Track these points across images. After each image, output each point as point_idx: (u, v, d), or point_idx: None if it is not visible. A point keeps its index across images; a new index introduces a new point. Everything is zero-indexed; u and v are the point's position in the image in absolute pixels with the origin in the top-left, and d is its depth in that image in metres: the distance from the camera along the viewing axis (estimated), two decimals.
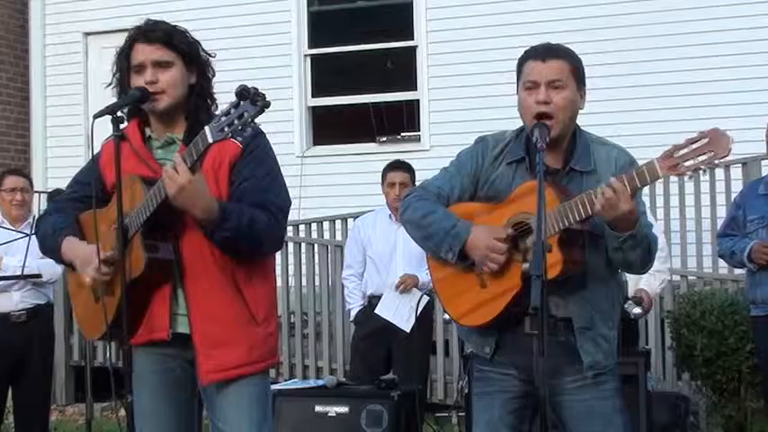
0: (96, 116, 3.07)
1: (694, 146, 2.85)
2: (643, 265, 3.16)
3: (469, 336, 3.35)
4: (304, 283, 8.13)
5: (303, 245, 8.19)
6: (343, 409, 5.39)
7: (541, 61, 3.14)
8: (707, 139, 2.83)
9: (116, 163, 3.07)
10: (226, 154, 3.16)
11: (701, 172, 2.87)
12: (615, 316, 3.30)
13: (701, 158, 2.84)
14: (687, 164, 2.85)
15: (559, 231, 3.03)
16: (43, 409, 5.92)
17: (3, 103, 11.01)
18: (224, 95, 3.12)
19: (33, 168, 10.44)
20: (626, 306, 4.99)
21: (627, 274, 3.39)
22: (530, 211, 3.01)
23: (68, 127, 10.31)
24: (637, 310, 5.18)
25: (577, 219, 3.00)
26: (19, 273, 5.53)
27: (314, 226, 8.39)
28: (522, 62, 3.21)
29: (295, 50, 9.82)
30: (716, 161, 2.84)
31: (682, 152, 2.85)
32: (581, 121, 3.27)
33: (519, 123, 3.27)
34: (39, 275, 5.56)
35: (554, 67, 3.13)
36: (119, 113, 3.13)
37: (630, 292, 5.28)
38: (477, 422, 3.33)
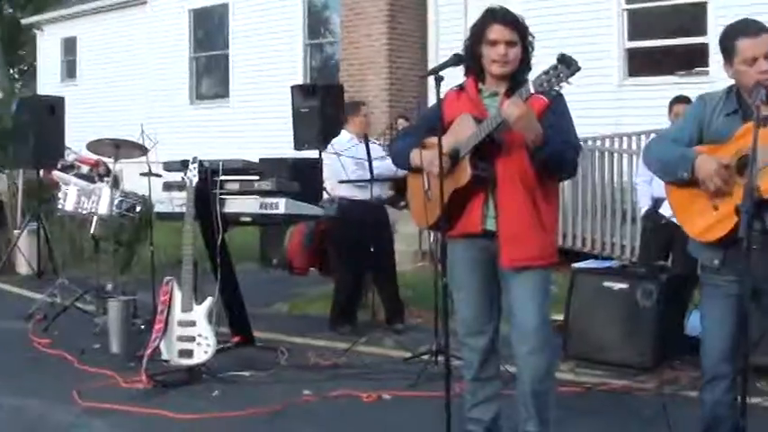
0: (424, 75, 3.62)
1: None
2: None
3: (701, 251, 3.45)
4: (616, 180, 9.16)
5: (615, 155, 9.20)
6: (624, 286, 5.77)
7: (754, 36, 3.29)
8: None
9: (437, 104, 3.60)
10: (534, 107, 3.47)
11: None
12: None
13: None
14: None
15: None
16: (393, 268, 7.13)
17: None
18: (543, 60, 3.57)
19: None
20: None
21: None
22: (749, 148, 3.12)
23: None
24: None
25: None
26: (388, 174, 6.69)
27: (632, 138, 9.31)
28: (732, 39, 3.33)
29: (615, 6, 11.25)
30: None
31: None
32: None
33: None
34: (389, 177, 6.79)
35: (765, 40, 3.29)
36: (440, 73, 3.55)
37: None
38: (705, 317, 3.53)
